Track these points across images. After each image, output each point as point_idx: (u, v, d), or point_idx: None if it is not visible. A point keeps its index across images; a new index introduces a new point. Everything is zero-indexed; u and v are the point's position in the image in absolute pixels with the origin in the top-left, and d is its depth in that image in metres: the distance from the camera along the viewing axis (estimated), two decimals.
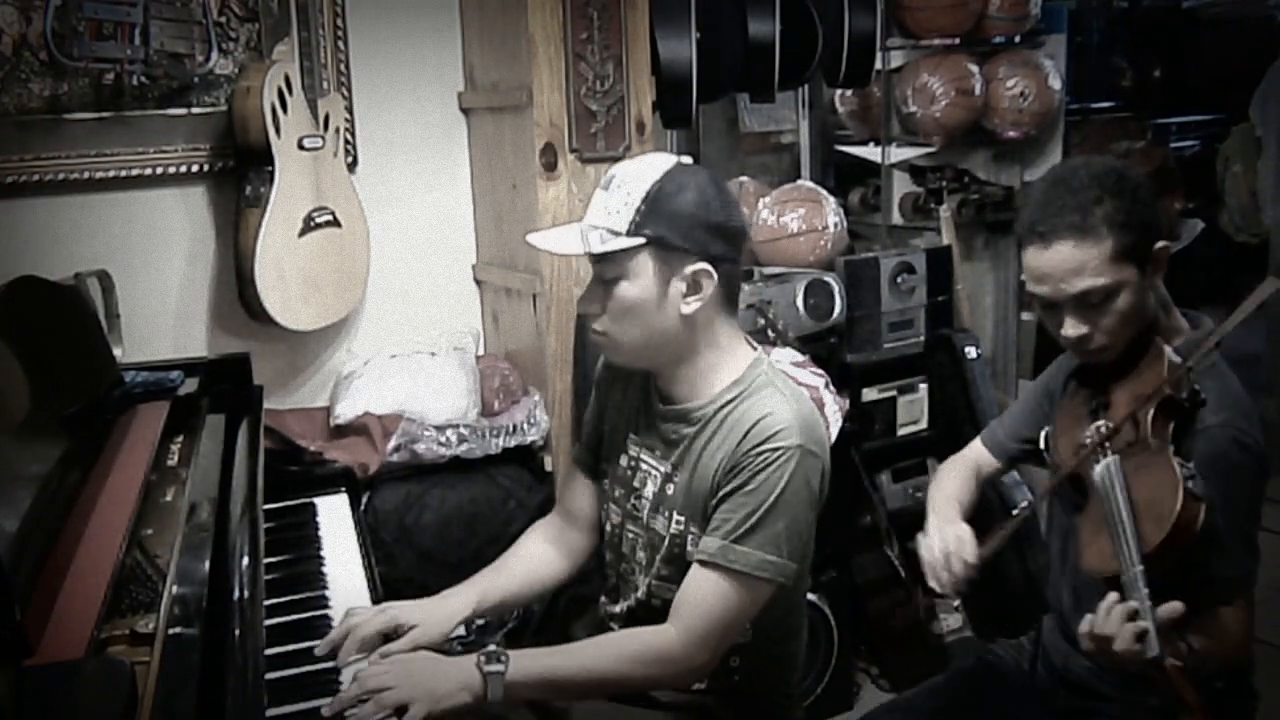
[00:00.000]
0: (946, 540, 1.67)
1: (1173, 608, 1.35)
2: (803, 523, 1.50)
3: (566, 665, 1.49)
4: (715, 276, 1.51)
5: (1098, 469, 1.52)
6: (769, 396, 1.52)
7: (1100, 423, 1.58)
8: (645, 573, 1.62)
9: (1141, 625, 1.34)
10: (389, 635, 1.54)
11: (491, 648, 1.43)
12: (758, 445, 1.47)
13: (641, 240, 1.48)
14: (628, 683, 1.52)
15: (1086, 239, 1.52)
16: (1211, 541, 1.46)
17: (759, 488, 1.47)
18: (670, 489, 1.59)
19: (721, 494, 1.50)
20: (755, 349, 1.62)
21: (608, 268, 1.51)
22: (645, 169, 1.51)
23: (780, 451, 1.46)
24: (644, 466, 1.63)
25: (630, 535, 1.66)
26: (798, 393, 1.56)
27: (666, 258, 1.49)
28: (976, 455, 1.90)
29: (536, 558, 1.76)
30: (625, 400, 1.69)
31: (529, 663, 1.44)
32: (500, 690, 1.40)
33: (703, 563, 1.48)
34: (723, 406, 1.54)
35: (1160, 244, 1.58)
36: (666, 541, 1.58)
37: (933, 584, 1.67)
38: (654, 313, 1.51)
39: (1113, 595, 1.39)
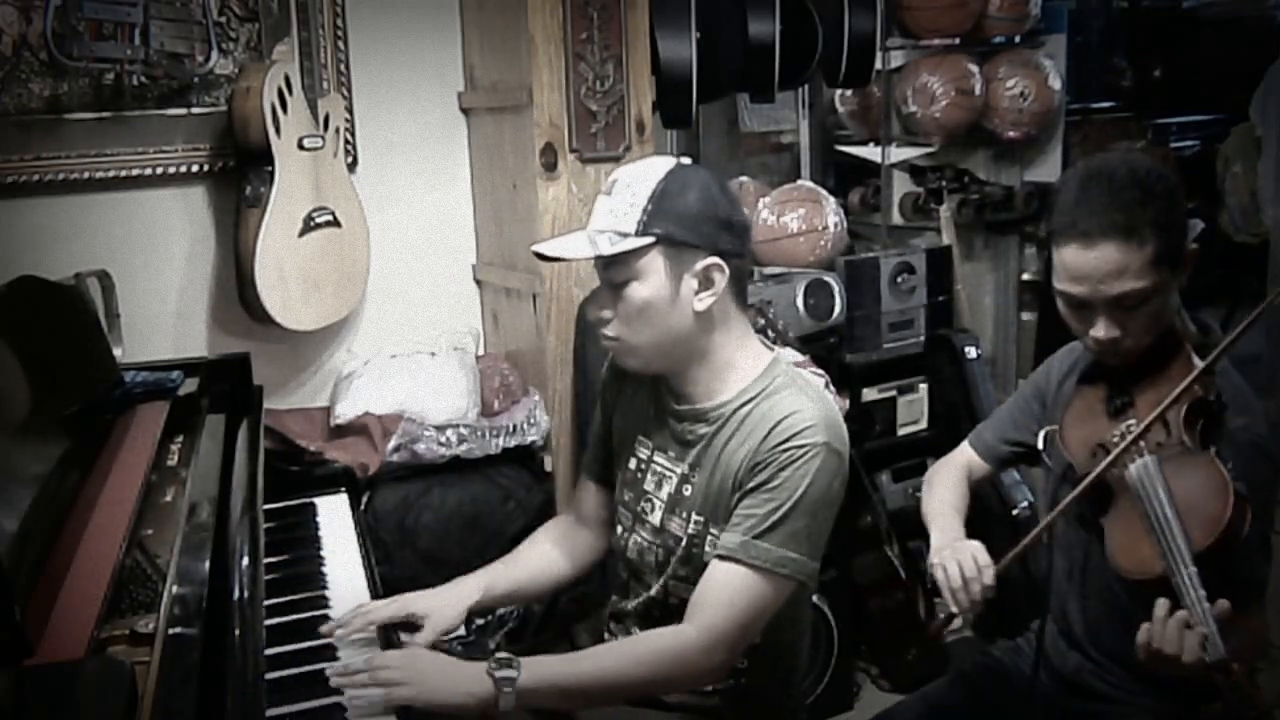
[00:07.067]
0: (964, 563, 1.57)
1: (1222, 606, 1.30)
2: (823, 521, 1.49)
3: (580, 670, 1.47)
4: (726, 271, 1.50)
5: (1132, 469, 1.47)
6: (793, 395, 1.51)
7: (1130, 422, 1.54)
8: (657, 573, 1.61)
9: (1202, 631, 1.30)
10: (399, 625, 1.57)
11: (502, 654, 1.40)
12: (783, 442, 1.46)
13: (651, 239, 1.47)
14: (644, 685, 1.50)
15: (1132, 240, 1.47)
16: (1244, 545, 1.44)
17: (783, 484, 1.45)
18: (688, 490, 1.57)
19: (743, 490, 1.49)
20: (772, 349, 1.61)
21: (617, 271, 1.50)
22: (647, 170, 1.50)
23: (806, 449, 1.45)
24: (656, 468, 1.62)
25: (640, 539, 1.64)
26: (822, 394, 1.55)
27: (677, 255, 1.48)
28: (966, 459, 1.87)
29: (543, 556, 1.77)
30: (633, 404, 1.68)
31: (542, 670, 1.41)
32: (513, 698, 1.37)
33: (723, 558, 1.47)
34: (743, 405, 1.53)
35: (1192, 246, 1.54)
36: (684, 542, 1.57)
37: (952, 607, 1.59)
38: (667, 312, 1.49)
39: (1163, 603, 1.34)
